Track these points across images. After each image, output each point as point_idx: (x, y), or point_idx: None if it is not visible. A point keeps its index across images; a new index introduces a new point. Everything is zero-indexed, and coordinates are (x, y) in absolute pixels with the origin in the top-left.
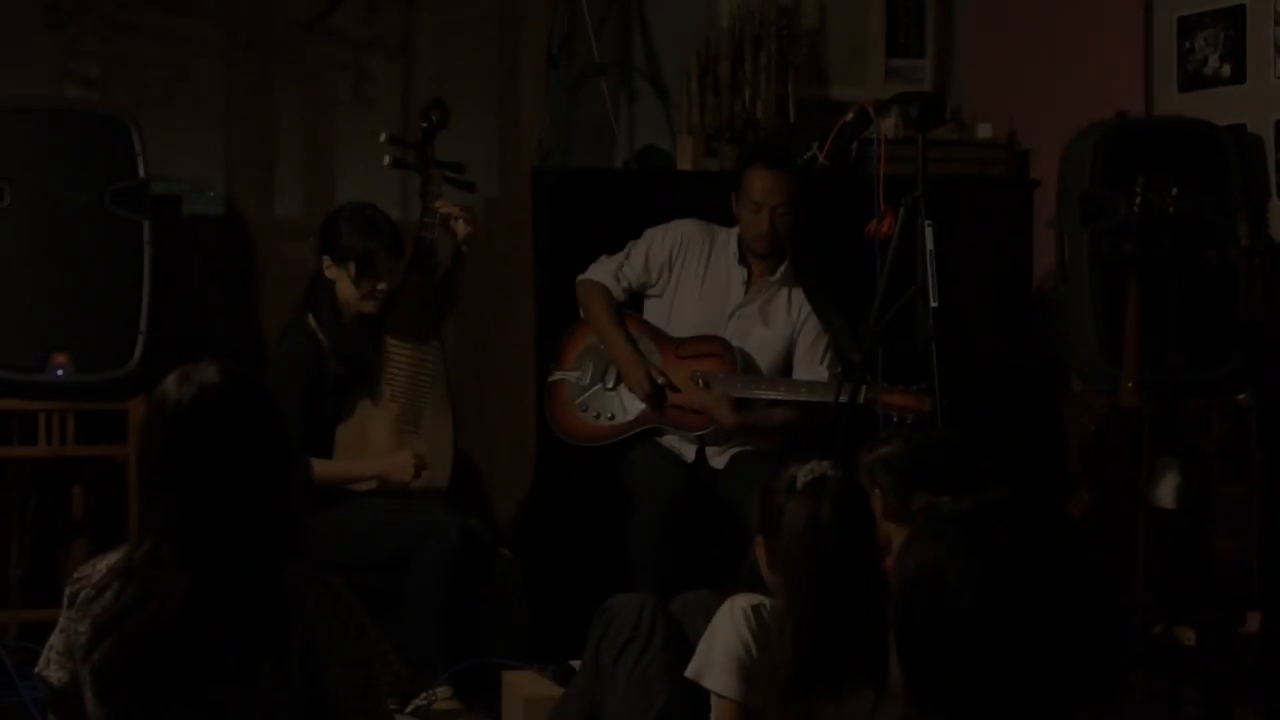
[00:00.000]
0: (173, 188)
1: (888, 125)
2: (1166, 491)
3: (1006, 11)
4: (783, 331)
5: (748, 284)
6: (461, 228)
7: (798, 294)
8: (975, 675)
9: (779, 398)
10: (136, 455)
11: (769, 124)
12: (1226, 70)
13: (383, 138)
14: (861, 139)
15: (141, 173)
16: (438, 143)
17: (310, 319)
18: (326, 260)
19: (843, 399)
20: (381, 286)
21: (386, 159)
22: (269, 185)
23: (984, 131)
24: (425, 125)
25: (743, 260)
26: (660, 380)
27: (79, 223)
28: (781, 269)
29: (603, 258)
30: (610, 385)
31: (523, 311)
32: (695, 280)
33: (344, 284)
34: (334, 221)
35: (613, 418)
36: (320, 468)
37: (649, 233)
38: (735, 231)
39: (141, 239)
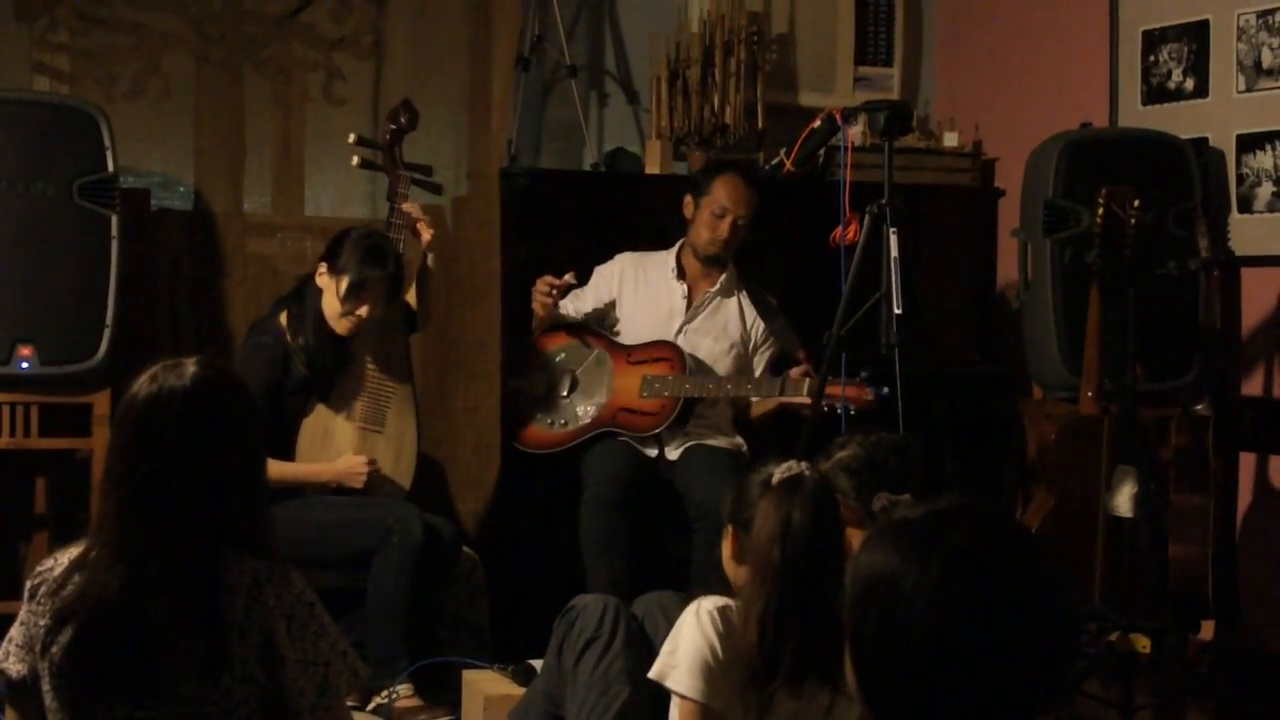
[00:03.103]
0: (141, 182)
1: (855, 133)
2: (1124, 500)
3: (974, 23)
4: (734, 342)
5: (689, 299)
6: (425, 231)
7: (746, 302)
8: (929, 682)
9: (725, 395)
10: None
11: (738, 129)
12: (1190, 84)
13: (351, 139)
14: (829, 146)
15: (110, 166)
16: (408, 144)
17: (281, 318)
18: (322, 267)
19: (786, 394)
20: (362, 313)
21: (355, 160)
22: (238, 181)
23: (950, 141)
24: (394, 128)
25: (681, 276)
26: (559, 281)
27: (47, 215)
28: (721, 279)
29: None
30: (565, 393)
31: (490, 312)
32: (636, 305)
33: (330, 296)
34: (344, 237)
35: (565, 424)
36: (274, 469)
37: (596, 269)
38: (673, 252)
39: (109, 232)
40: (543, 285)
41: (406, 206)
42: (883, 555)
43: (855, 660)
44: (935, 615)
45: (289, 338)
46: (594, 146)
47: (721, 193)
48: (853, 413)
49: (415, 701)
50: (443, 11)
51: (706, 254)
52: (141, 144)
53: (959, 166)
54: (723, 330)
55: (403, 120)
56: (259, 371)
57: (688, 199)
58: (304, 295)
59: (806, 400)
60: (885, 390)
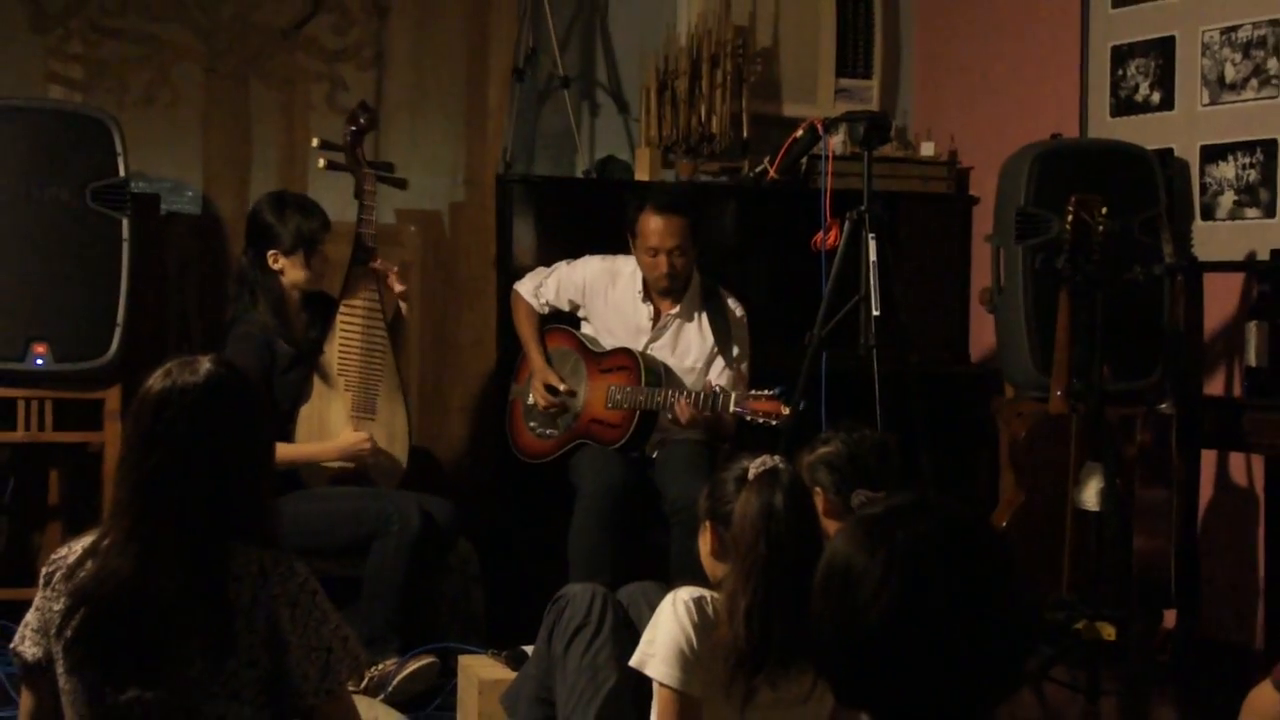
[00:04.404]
0: (152, 187)
1: (836, 142)
2: (1091, 494)
3: (950, 37)
4: (696, 361)
5: (654, 320)
6: (398, 284)
7: (705, 323)
8: (879, 668)
9: (673, 402)
10: (120, 440)
11: (723, 138)
12: (1156, 97)
13: (315, 143)
14: (811, 154)
15: (122, 172)
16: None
17: (255, 310)
18: (274, 255)
19: (718, 409)
20: (326, 259)
21: (321, 163)
22: (244, 187)
23: (927, 150)
24: (354, 128)
25: (647, 297)
26: (562, 388)
27: (61, 219)
28: (683, 301)
29: (535, 270)
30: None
31: (485, 313)
32: (607, 315)
33: (295, 271)
34: (269, 218)
35: (550, 434)
36: (282, 451)
37: (562, 266)
38: (639, 271)
39: (121, 236)
40: (548, 393)
41: (379, 265)
42: (843, 545)
43: (817, 644)
44: (879, 604)
45: (267, 322)
46: (586, 154)
47: (647, 231)
48: (775, 423)
49: (393, 664)
50: (441, 25)
51: (658, 289)
52: (152, 150)
53: (935, 175)
54: (687, 349)
55: (362, 121)
56: (248, 362)
57: (629, 240)
58: (254, 289)
59: (733, 412)
60: (802, 405)
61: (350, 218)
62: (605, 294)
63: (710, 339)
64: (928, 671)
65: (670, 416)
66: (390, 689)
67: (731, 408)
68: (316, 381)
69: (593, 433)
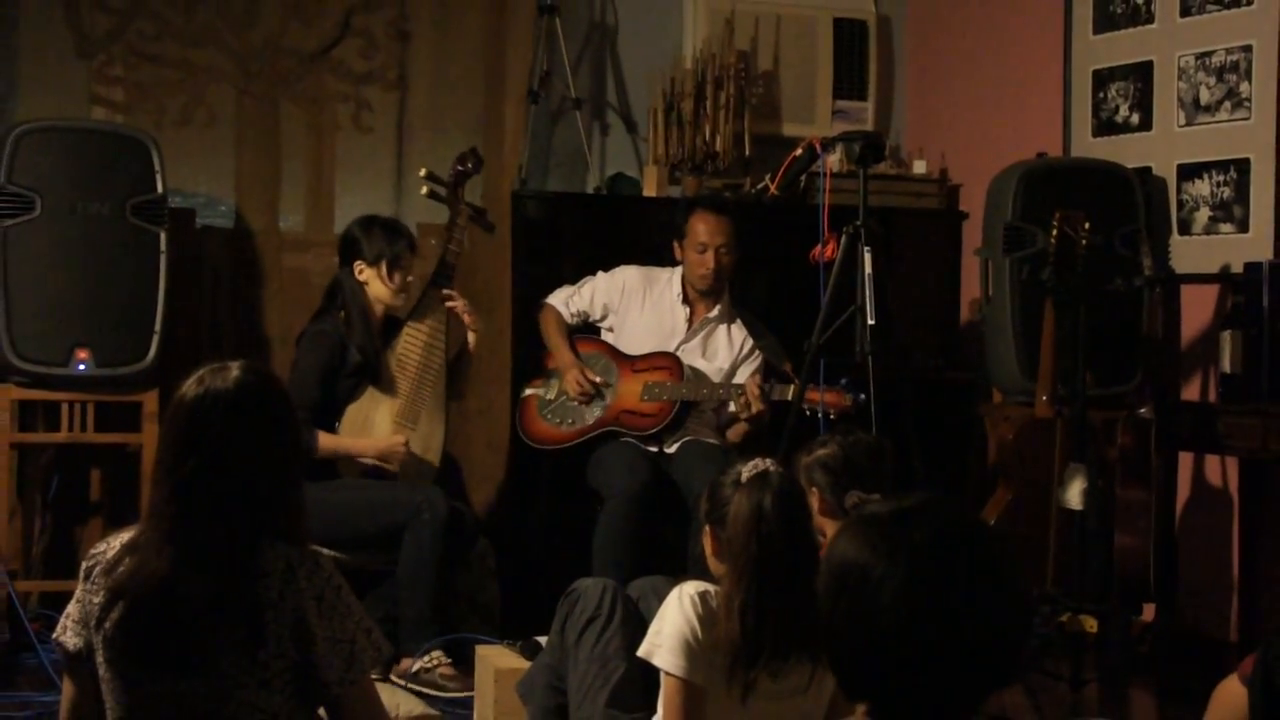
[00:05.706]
0: (188, 202)
1: (833, 160)
2: (1074, 494)
3: (941, 61)
4: (723, 364)
5: (690, 322)
6: (469, 320)
7: (737, 327)
8: (894, 663)
9: (716, 397)
10: (157, 443)
11: (726, 157)
12: (1135, 118)
13: (422, 173)
14: (809, 172)
15: (160, 188)
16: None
17: (340, 314)
18: (360, 265)
19: (773, 397)
20: (410, 279)
21: (424, 190)
22: (275, 202)
23: (919, 168)
24: (460, 169)
25: (685, 300)
26: (597, 380)
27: (102, 232)
28: (719, 306)
29: (562, 287)
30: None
31: (501, 321)
32: (639, 322)
33: (377, 284)
34: (356, 233)
35: (573, 423)
36: (325, 440)
37: (599, 275)
38: (678, 272)
39: (158, 248)
40: (584, 385)
41: (457, 306)
42: (854, 548)
43: (828, 642)
44: (900, 604)
45: (345, 331)
46: (596, 171)
47: (698, 229)
48: (832, 416)
49: (452, 670)
50: (461, 49)
51: (702, 289)
52: (188, 168)
53: (927, 191)
54: (715, 352)
55: (469, 165)
56: (319, 355)
57: (675, 244)
58: (342, 296)
59: (788, 399)
60: (862, 396)
61: None
62: (643, 297)
63: (737, 345)
64: (940, 665)
65: (740, 399)
66: (447, 691)
67: (789, 397)
68: (370, 385)
69: (623, 421)
